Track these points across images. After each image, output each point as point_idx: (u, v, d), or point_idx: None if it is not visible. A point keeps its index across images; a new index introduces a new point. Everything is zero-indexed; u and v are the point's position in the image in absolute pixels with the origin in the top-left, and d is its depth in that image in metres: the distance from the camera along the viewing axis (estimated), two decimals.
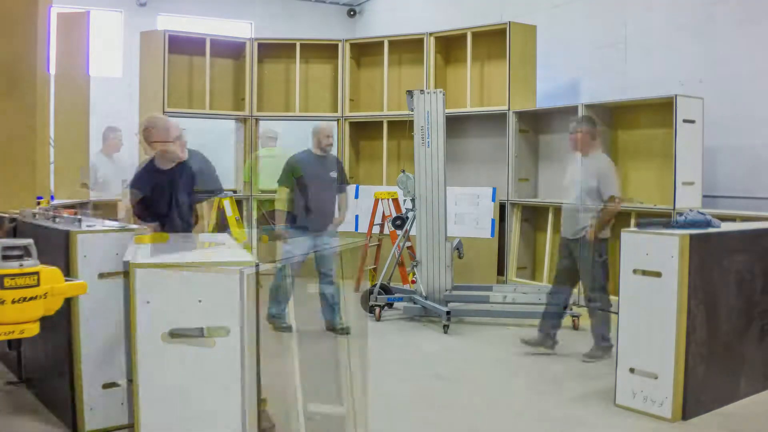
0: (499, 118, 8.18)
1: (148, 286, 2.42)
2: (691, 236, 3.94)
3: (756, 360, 4.37)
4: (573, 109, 7.22)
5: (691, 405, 3.93)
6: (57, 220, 3.47)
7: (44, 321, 1.97)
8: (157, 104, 8.54)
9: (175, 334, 2.41)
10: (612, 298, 6.58)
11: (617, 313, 4.22)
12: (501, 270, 8.07)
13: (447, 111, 6.52)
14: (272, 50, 9.40)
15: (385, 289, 6.71)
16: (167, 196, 3.94)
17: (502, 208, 8.12)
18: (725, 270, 4.17)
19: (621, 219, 6.85)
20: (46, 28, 4.70)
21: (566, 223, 5.28)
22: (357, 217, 8.64)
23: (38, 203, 4.48)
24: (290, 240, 5.43)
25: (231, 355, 2.49)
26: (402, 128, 8.30)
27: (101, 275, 3.10)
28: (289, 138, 10.93)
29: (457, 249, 6.46)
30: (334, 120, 9.50)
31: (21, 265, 1.97)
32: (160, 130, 4.02)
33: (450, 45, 8.96)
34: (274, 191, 8.84)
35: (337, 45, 9.35)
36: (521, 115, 8.01)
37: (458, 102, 8.50)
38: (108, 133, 8.04)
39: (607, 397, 4.24)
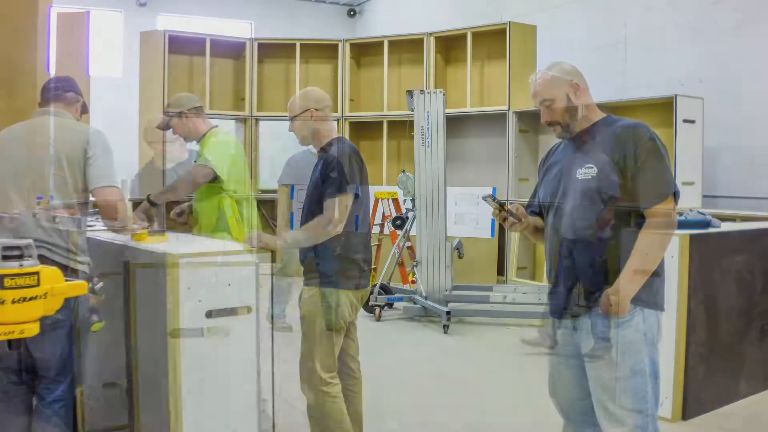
0: (499, 118, 8.18)
1: (189, 273, 2.65)
2: (691, 236, 3.94)
3: (756, 360, 4.37)
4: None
5: (691, 405, 3.93)
6: (57, 219, 3.47)
7: None
8: (157, 104, 8.54)
9: (211, 314, 2.70)
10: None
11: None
12: (501, 270, 8.07)
13: (447, 111, 6.52)
14: (272, 50, 9.40)
15: (385, 289, 6.71)
16: None
17: (501, 207, 8.11)
18: (725, 270, 4.17)
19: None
20: (46, 28, 4.70)
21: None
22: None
23: (38, 203, 4.47)
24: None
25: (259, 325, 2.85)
26: (402, 128, 8.30)
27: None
28: (289, 138, 10.94)
29: (457, 249, 6.46)
30: (334, 120, 9.50)
31: (21, 265, 1.97)
32: None
33: (450, 45, 8.96)
34: (275, 191, 8.81)
35: (337, 45, 9.35)
36: (521, 115, 8.02)
37: (458, 102, 8.50)
38: None
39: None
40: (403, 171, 6.78)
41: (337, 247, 3.15)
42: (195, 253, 2.73)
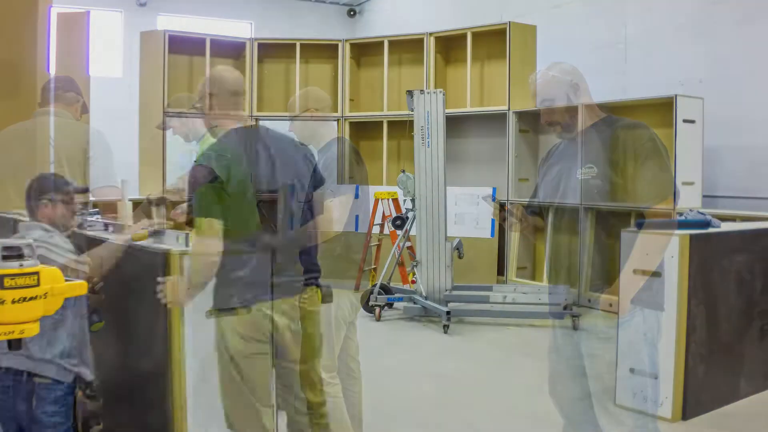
0: (499, 118, 8.18)
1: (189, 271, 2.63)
2: (691, 236, 3.94)
3: (756, 360, 4.37)
4: (573, 110, 7.21)
5: (691, 405, 3.93)
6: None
7: None
8: (157, 104, 8.54)
9: (212, 312, 2.68)
10: (612, 298, 6.59)
11: (617, 313, 4.22)
12: (501, 270, 8.07)
13: (447, 111, 6.52)
14: (272, 50, 9.40)
15: (385, 289, 6.71)
16: None
17: (502, 208, 8.11)
18: (725, 270, 4.17)
19: (621, 219, 6.85)
20: (46, 28, 4.70)
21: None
22: (357, 217, 8.63)
23: None
24: None
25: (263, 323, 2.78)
26: (402, 128, 8.30)
27: None
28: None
29: (457, 249, 6.46)
30: (334, 120, 9.50)
31: (21, 265, 1.97)
32: None
33: (450, 45, 8.96)
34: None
35: (337, 45, 9.35)
36: (521, 115, 8.02)
37: (458, 102, 8.50)
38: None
39: (607, 398, 4.23)
40: (403, 171, 6.78)
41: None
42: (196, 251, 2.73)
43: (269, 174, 3.02)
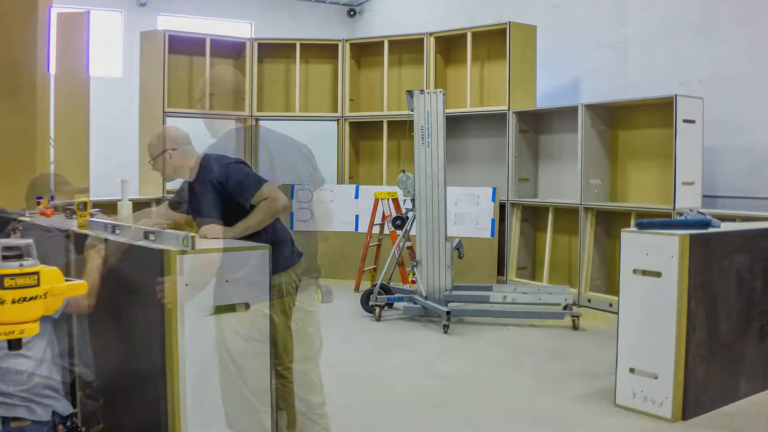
0: (499, 118, 8.18)
1: (187, 270, 2.62)
2: (691, 236, 3.94)
3: (756, 360, 4.37)
4: (573, 109, 7.22)
5: (691, 405, 3.93)
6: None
7: None
8: (157, 104, 8.55)
9: (210, 311, 2.69)
10: (612, 297, 6.60)
11: (617, 313, 4.22)
12: (501, 270, 8.07)
13: (447, 111, 6.52)
14: (272, 50, 9.41)
15: (385, 289, 6.71)
16: None
17: (502, 208, 8.12)
18: (725, 270, 4.17)
19: (621, 219, 6.87)
20: (46, 28, 4.71)
21: None
22: (357, 217, 8.64)
23: (38, 203, 4.48)
24: None
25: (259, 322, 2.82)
26: (402, 128, 8.31)
27: None
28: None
29: (457, 249, 6.46)
30: (334, 120, 9.51)
31: (21, 265, 1.97)
32: None
33: (450, 45, 8.97)
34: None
35: (337, 45, 9.35)
36: (521, 115, 8.02)
37: (458, 102, 8.51)
38: None
39: (607, 397, 4.24)
40: (403, 171, 6.78)
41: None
42: (193, 250, 2.72)
43: (269, 173, 3.16)
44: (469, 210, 8.20)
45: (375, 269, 7.81)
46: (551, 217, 7.72)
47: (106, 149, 9.29)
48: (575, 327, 6.09)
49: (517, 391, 4.53)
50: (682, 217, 4.50)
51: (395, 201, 7.63)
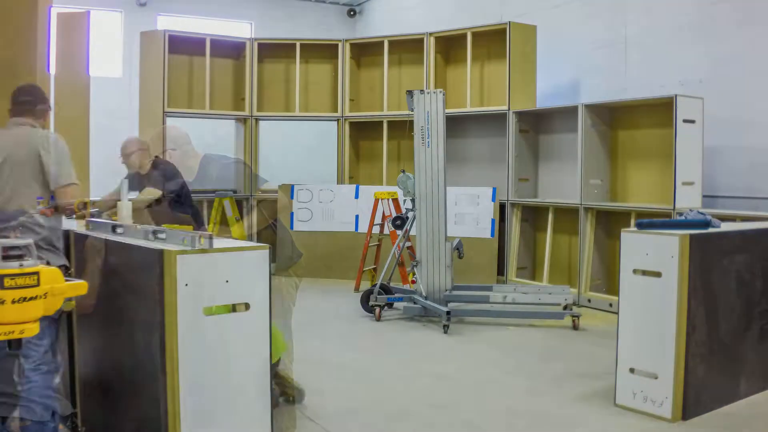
0: (499, 118, 8.18)
1: (187, 270, 2.65)
2: (691, 236, 3.94)
3: (756, 360, 4.37)
4: (573, 109, 7.22)
5: (691, 405, 3.92)
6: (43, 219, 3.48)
7: None
8: (157, 104, 8.55)
9: (209, 310, 2.72)
10: (612, 297, 6.60)
11: (617, 313, 4.22)
12: (501, 270, 8.07)
13: (447, 111, 6.52)
14: (272, 50, 9.41)
15: (385, 289, 6.71)
16: None
17: (502, 208, 8.12)
18: (725, 270, 4.17)
19: (621, 219, 6.87)
20: (46, 28, 4.70)
21: None
22: (357, 217, 8.64)
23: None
24: None
25: (258, 321, 2.86)
26: (402, 128, 8.31)
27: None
28: (289, 138, 10.96)
29: (457, 249, 6.46)
30: (334, 120, 9.51)
31: (21, 265, 1.98)
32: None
33: (450, 45, 8.97)
34: (275, 191, 8.81)
35: (337, 45, 9.35)
36: (521, 115, 8.02)
37: (458, 102, 8.51)
38: None
39: (607, 397, 4.24)
40: (403, 171, 6.78)
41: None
42: (192, 250, 2.73)
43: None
44: (469, 210, 8.20)
45: (375, 269, 7.81)
46: (551, 217, 7.71)
47: (106, 149, 9.28)
48: (575, 327, 6.09)
49: (517, 391, 4.53)
50: (682, 217, 4.50)
51: (395, 201, 7.63)
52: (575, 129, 7.14)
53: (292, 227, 8.75)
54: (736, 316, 4.24)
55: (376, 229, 7.88)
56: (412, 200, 6.56)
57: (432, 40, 8.79)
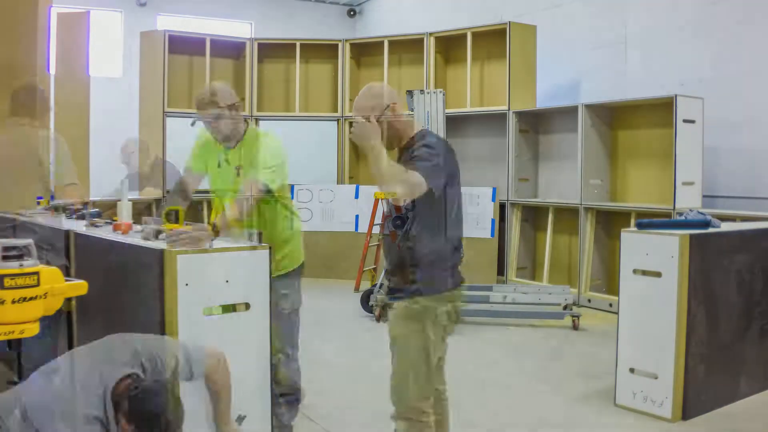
0: (499, 118, 8.18)
1: (187, 270, 2.63)
2: (691, 236, 3.94)
3: (756, 360, 4.37)
4: (573, 109, 7.22)
5: (691, 405, 3.93)
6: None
7: None
8: (157, 104, 8.55)
9: (209, 311, 2.71)
10: (612, 297, 6.60)
11: (617, 313, 4.22)
12: (501, 270, 8.07)
13: (447, 111, 6.53)
14: (272, 50, 9.40)
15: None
16: None
17: (502, 208, 8.12)
18: (725, 270, 4.17)
19: (621, 219, 6.87)
20: (46, 28, 4.70)
21: None
22: (357, 217, 8.64)
23: (38, 203, 4.48)
24: None
25: (259, 322, 2.86)
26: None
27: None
28: (288, 138, 10.94)
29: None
30: (334, 120, 9.51)
31: (21, 265, 1.97)
32: None
33: (450, 45, 8.96)
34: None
35: (337, 45, 9.35)
36: (521, 115, 8.02)
37: (458, 102, 8.50)
38: None
39: (607, 397, 4.24)
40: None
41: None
42: (192, 250, 2.73)
43: None
44: (469, 210, 8.20)
45: (375, 269, 7.81)
46: (551, 217, 7.71)
47: (106, 149, 9.28)
48: (575, 327, 6.09)
49: (517, 391, 4.53)
50: (682, 217, 4.50)
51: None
52: (575, 129, 7.14)
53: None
54: (736, 316, 4.24)
55: (376, 229, 7.88)
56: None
57: (432, 40, 8.79)
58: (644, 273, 4.05)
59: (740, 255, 4.26)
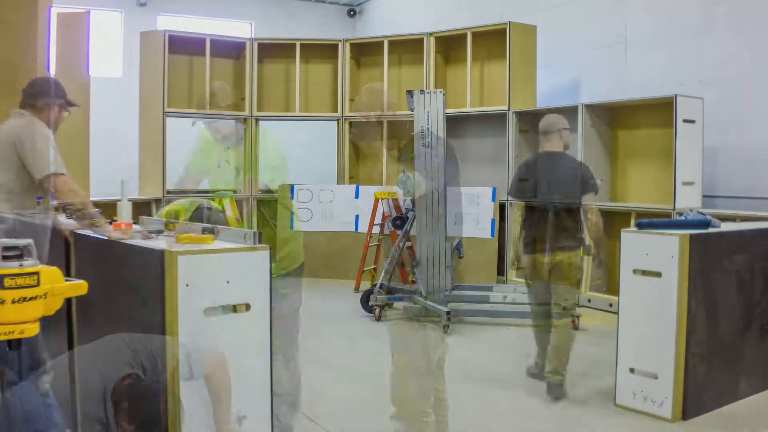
0: (499, 118, 8.18)
1: (188, 271, 2.64)
2: (691, 236, 3.94)
3: (756, 360, 4.37)
4: (573, 109, 7.22)
5: (691, 405, 3.93)
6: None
7: None
8: (157, 104, 8.55)
9: (209, 311, 2.71)
10: (612, 297, 6.60)
11: (617, 313, 4.22)
12: (501, 270, 8.07)
13: (447, 111, 6.51)
14: (272, 50, 9.40)
15: (385, 289, 6.70)
16: None
17: (502, 208, 8.12)
18: (725, 270, 4.17)
19: (621, 219, 6.87)
20: (46, 28, 4.70)
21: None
22: (357, 217, 8.64)
23: (38, 203, 4.48)
24: None
25: (259, 323, 2.86)
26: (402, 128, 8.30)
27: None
28: (288, 138, 10.94)
29: (457, 249, 6.46)
30: (334, 120, 9.50)
31: (21, 265, 1.97)
32: None
33: (450, 45, 8.96)
34: (274, 191, 8.80)
35: (337, 45, 9.35)
36: (521, 115, 8.02)
37: (458, 102, 8.50)
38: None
39: (607, 397, 4.24)
40: (403, 171, 6.77)
41: None
42: (193, 250, 2.73)
43: None
44: (469, 210, 8.20)
45: (375, 269, 7.81)
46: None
47: (106, 149, 9.29)
48: (575, 327, 6.09)
49: (518, 391, 4.52)
50: (682, 217, 4.50)
51: (395, 201, 7.63)
52: (575, 129, 7.14)
53: (292, 227, 8.75)
54: (736, 316, 4.24)
55: (376, 229, 7.88)
56: (412, 200, 6.55)
57: (432, 40, 8.79)
58: (644, 273, 4.05)
59: (740, 255, 4.26)
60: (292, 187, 8.94)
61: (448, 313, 5.97)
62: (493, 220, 8.06)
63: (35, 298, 1.98)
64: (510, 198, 7.94)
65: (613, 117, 7.28)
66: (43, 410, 2.87)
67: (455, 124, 8.49)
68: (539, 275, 4.60)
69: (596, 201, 4.93)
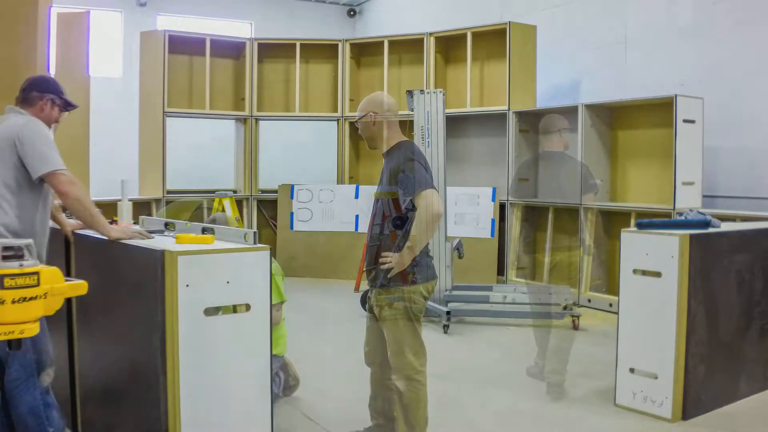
0: (499, 118, 8.18)
1: (188, 271, 2.64)
2: (691, 236, 3.94)
3: (756, 360, 4.37)
4: (573, 109, 7.22)
5: (691, 405, 3.93)
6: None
7: None
8: (157, 104, 8.55)
9: (210, 311, 2.71)
10: (612, 297, 6.60)
11: (617, 313, 4.22)
12: (501, 270, 8.07)
13: (447, 111, 6.52)
14: (272, 50, 9.41)
15: None
16: None
17: (502, 208, 8.12)
18: (725, 270, 4.17)
19: (621, 219, 6.87)
20: (46, 28, 4.70)
21: None
22: (357, 217, 8.64)
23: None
24: None
25: (259, 323, 2.86)
26: (402, 128, 8.30)
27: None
28: (288, 138, 10.96)
29: (457, 249, 6.46)
30: (334, 120, 9.51)
31: (21, 265, 1.97)
32: None
33: (450, 45, 8.96)
34: (275, 191, 8.73)
35: (337, 45, 9.35)
36: (521, 115, 8.02)
37: (458, 102, 8.50)
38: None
39: (607, 397, 4.24)
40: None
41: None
42: (193, 251, 2.73)
43: None
44: (469, 210, 8.20)
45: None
46: (551, 217, 7.71)
47: (106, 149, 9.29)
48: (575, 327, 6.09)
49: (518, 391, 4.52)
50: (682, 217, 4.50)
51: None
52: (575, 129, 7.14)
53: (292, 227, 8.76)
54: (736, 316, 4.24)
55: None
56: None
57: (432, 40, 8.79)
58: (644, 273, 4.05)
59: (740, 255, 4.26)
60: (292, 187, 8.94)
61: (448, 313, 5.97)
62: (493, 220, 8.06)
63: (35, 298, 1.98)
64: (510, 198, 7.95)
65: (613, 117, 7.28)
66: (43, 410, 2.88)
67: (455, 124, 8.50)
68: (539, 275, 4.63)
69: (596, 201, 4.94)
